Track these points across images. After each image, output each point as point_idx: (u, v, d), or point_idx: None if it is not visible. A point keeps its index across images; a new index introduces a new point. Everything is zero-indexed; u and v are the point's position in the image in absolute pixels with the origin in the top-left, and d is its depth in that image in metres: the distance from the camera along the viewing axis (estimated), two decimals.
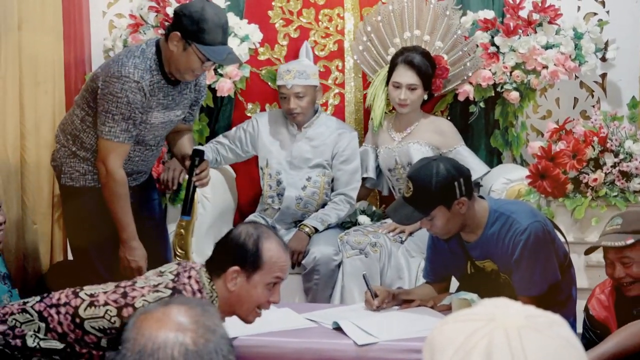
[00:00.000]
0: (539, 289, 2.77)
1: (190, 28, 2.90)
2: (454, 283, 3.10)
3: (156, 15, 3.97)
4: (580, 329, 2.88)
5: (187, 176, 3.22)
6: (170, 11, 3.91)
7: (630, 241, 2.60)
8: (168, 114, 3.11)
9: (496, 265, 2.85)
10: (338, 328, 2.70)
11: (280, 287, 2.38)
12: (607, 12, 4.08)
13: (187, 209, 3.18)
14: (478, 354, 1.00)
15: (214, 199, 3.81)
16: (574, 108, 4.18)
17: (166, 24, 3.58)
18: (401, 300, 2.96)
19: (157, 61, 2.98)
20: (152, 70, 2.97)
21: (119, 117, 2.92)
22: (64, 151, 3.15)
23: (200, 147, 3.30)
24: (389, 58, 3.92)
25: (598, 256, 3.60)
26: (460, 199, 2.70)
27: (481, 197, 2.91)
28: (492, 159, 4.08)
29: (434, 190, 2.68)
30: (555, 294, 2.84)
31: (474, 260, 2.89)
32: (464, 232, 2.84)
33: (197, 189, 3.25)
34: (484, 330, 1.02)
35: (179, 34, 2.92)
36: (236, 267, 2.28)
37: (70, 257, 3.94)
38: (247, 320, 2.38)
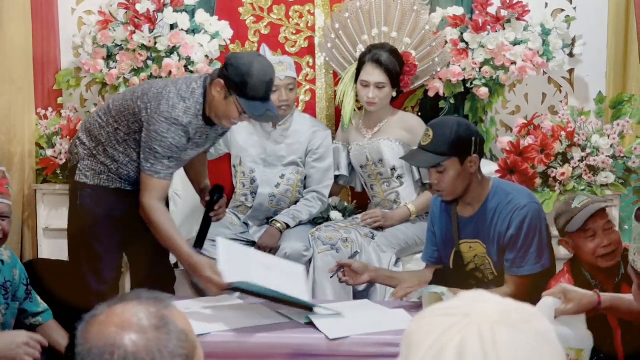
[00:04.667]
0: (530, 269, 2.82)
1: (234, 79, 2.90)
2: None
3: (126, 12, 3.95)
4: None
5: (204, 209, 3.30)
6: (140, 8, 3.90)
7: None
8: (199, 150, 3.16)
9: (485, 245, 2.88)
10: (310, 323, 2.72)
11: None
12: (574, 8, 4.13)
13: (201, 242, 3.23)
14: (451, 350, 1.00)
15: (185, 196, 3.81)
16: (542, 103, 4.23)
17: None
18: (373, 276, 3.03)
19: (203, 104, 2.99)
20: (197, 115, 2.98)
21: (160, 156, 2.94)
22: (83, 149, 3.15)
23: (219, 185, 3.35)
24: (357, 55, 3.93)
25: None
26: (473, 157, 2.82)
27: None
28: None
29: (454, 139, 2.79)
30: (545, 281, 2.87)
31: (460, 243, 2.92)
32: (464, 202, 2.91)
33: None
34: (458, 326, 1.02)
35: (222, 82, 2.92)
36: None
37: (41, 255, 3.93)
38: None
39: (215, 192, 3.26)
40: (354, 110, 3.95)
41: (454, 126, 2.81)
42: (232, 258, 2.83)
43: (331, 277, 3.14)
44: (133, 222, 3.10)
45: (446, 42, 3.97)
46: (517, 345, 1.00)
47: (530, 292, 2.69)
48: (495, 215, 2.84)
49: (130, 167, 3.10)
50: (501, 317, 1.03)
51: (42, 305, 3.03)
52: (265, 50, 3.98)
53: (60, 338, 2.96)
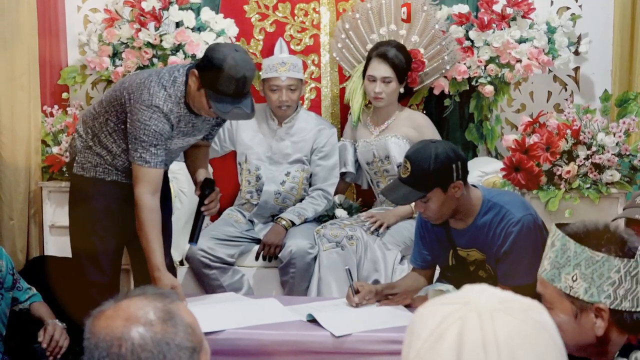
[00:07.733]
0: (521, 280, 2.78)
1: (206, 71, 2.87)
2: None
3: (131, 10, 3.96)
4: None
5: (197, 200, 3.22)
6: (145, 5, 3.91)
7: None
8: (188, 139, 3.13)
9: (484, 254, 2.87)
10: (313, 320, 2.72)
11: None
12: (580, 6, 4.13)
13: (196, 237, 3.17)
14: (450, 336, 1.02)
15: (190, 193, 3.81)
16: (547, 101, 4.23)
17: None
18: (385, 295, 2.95)
19: (185, 92, 2.96)
20: (179, 103, 2.96)
21: (146, 144, 2.92)
22: (80, 141, 3.16)
23: (211, 178, 3.28)
24: (367, 54, 3.94)
25: None
26: (456, 183, 2.73)
27: (474, 185, 2.93)
28: (467, 152, 4.12)
29: (432, 171, 2.69)
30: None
31: (457, 249, 2.91)
32: (455, 219, 2.85)
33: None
34: (457, 313, 1.04)
35: (197, 72, 2.90)
36: None
37: (47, 252, 3.94)
38: None
39: (207, 187, 3.19)
40: (362, 107, 3.96)
41: (431, 157, 2.69)
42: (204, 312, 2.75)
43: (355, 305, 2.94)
44: (131, 215, 3.04)
45: (457, 44, 3.96)
46: (516, 332, 1.02)
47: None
48: (489, 230, 2.80)
49: (124, 157, 3.08)
50: (501, 305, 1.04)
51: (30, 291, 3.06)
52: (282, 45, 3.98)
53: (46, 314, 2.99)
